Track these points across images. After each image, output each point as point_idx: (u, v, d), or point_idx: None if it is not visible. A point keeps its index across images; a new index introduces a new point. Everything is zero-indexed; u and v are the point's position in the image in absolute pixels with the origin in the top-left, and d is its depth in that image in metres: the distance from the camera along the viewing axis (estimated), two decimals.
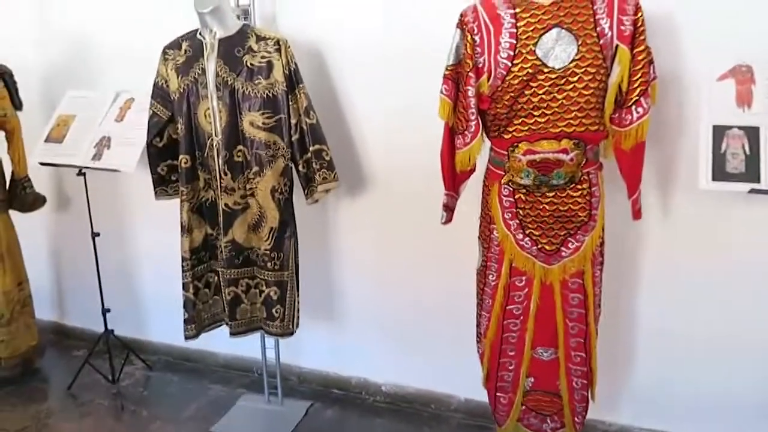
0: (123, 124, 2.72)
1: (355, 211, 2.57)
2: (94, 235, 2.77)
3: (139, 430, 2.55)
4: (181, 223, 2.19)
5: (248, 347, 2.98)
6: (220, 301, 2.31)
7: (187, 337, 2.27)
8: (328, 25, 2.39)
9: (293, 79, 2.11)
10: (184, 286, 2.22)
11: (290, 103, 2.10)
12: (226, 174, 2.11)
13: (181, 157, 2.16)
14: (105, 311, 2.85)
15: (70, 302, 3.50)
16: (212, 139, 2.12)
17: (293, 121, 2.12)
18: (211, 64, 2.10)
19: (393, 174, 2.45)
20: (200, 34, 2.14)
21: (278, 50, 2.08)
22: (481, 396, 2.52)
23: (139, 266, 3.19)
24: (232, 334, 2.24)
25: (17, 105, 2.87)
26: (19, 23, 3.14)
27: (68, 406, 2.74)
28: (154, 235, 3.09)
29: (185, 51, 2.16)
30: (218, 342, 3.05)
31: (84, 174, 2.70)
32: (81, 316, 3.46)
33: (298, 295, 2.25)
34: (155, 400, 2.79)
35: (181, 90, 2.14)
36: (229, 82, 2.07)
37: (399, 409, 2.64)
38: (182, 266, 2.21)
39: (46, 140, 2.82)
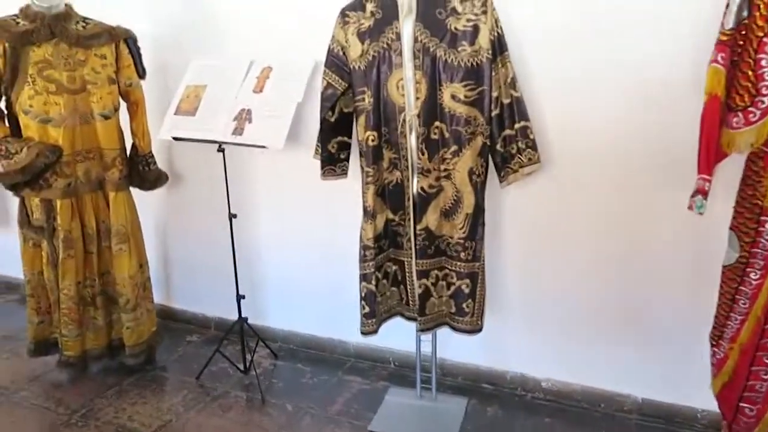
0: (263, 95, 2.48)
1: (521, 198, 2.33)
2: (231, 216, 2.56)
3: (291, 426, 2.37)
4: (365, 208, 1.96)
5: (380, 337, 2.81)
6: (397, 293, 2.10)
7: (365, 333, 2.08)
8: None
9: (498, 46, 1.86)
10: (365, 277, 2.01)
11: (493, 73, 1.86)
12: (423, 153, 1.88)
13: (367, 133, 1.93)
14: (239, 297, 2.65)
15: (177, 285, 3.32)
16: (404, 114, 1.88)
17: (494, 94, 1.88)
18: (407, 27, 1.85)
19: (566, 158, 2.21)
20: None
21: (485, 12, 1.82)
22: (661, 396, 2.35)
23: (256, 250, 2.99)
24: (421, 330, 2.04)
25: (141, 73, 2.64)
26: None
27: (203, 399, 2.57)
28: (275, 218, 2.88)
29: (372, 13, 1.91)
30: (346, 330, 2.89)
31: (223, 150, 2.48)
32: (188, 299, 3.29)
33: (485, 288, 2.04)
34: (294, 392, 2.61)
35: (369, 57, 1.89)
36: (431, 49, 1.82)
37: (564, 408, 2.45)
38: (364, 255, 2.00)
39: (176, 113, 2.59)
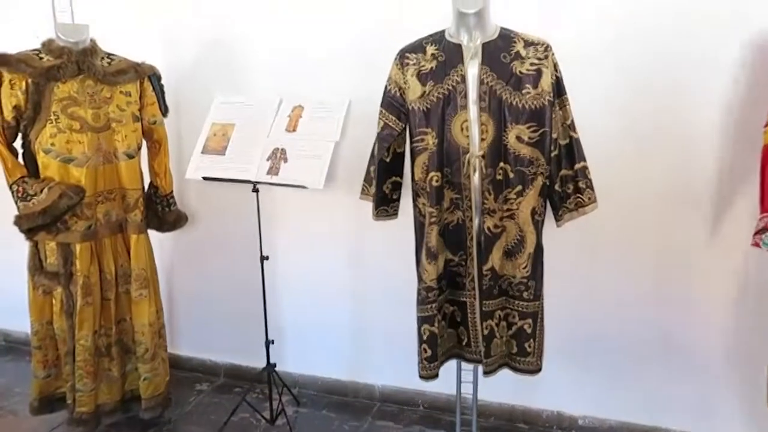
0: (297, 134, 2.45)
1: (557, 232, 2.37)
2: (263, 258, 2.47)
3: None
4: (429, 249, 1.94)
5: (405, 378, 2.75)
6: (455, 335, 2.07)
7: (427, 377, 2.02)
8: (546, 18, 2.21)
9: (557, 89, 1.91)
10: (427, 320, 1.97)
11: (553, 115, 1.90)
12: (489, 194, 1.89)
13: (431, 174, 1.92)
14: (269, 343, 2.54)
15: (182, 330, 3.16)
16: (469, 155, 1.89)
17: (554, 136, 1.92)
18: (472, 70, 1.87)
19: (606, 190, 2.28)
20: (449, 36, 1.92)
21: (547, 56, 1.88)
22: (697, 428, 2.39)
23: (272, 293, 2.89)
24: (486, 372, 2.00)
25: (164, 111, 2.55)
26: (148, 23, 2.81)
27: None
28: (292, 259, 2.81)
29: (433, 56, 1.92)
30: (371, 373, 2.82)
31: (257, 190, 2.41)
32: (194, 345, 3.13)
33: (544, 328, 2.04)
34: None
35: (433, 99, 1.90)
36: (497, 91, 1.85)
37: None
38: (426, 297, 1.96)
39: (204, 151, 2.51)
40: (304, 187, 2.32)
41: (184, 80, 2.80)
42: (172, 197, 2.61)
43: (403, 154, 2.10)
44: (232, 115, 2.56)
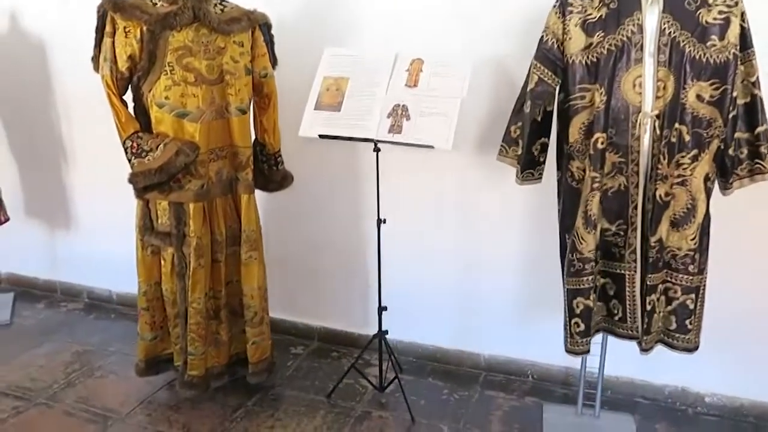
0: (418, 90, 2.27)
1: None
2: (380, 221, 2.34)
3: None
4: (588, 217, 1.79)
5: (515, 348, 2.65)
6: (604, 308, 1.94)
7: (577, 353, 1.91)
8: None
9: (743, 42, 1.71)
10: (582, 292, 1.84)
11: (736, 70, 1.71)
12: (664, 158, 1.72)
13: (596, 135, 1.75)
14: (381, 309, 2.44)
15: (273, 292, 3.06)
16: (640, 114, 1.72)
17: (734, 94, 1.73)
18: (651, 18, 1.68)
19: None
20: None
21: (737, 3, 1.67)
22: None
23: (374, 258, 2.78)
24: (645, 350, 1.88)
25: (273, 63, 2.39)
26: None
27: (345, 420, 2.35)
28: (397, 221, 2.67)
29: (603, 2, 1.73)
30: (476, 342, 2.72)
31: (379, 149, 2.26)
32: (285, 308, 3.04)
33: (704, 303, 1.90)
34: (440, 410, 2.41)
35: (603, 51, 1.72)
36: (681, 43, 1.66)
37: (736, 423, 2.34)
38: (582, 268, 1.82)
39: (317, 107, 2.35)
40: (430, 146, 2.17)
41: (284, 31, 2.62)
42: (280, 155, 2.48)
43: (551, 113, 1.94)
44: (345, 68, 2.38)
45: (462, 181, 2.54)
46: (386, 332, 2.47)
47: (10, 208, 3.13)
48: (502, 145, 2.03)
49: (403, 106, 2.25)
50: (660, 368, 2.43)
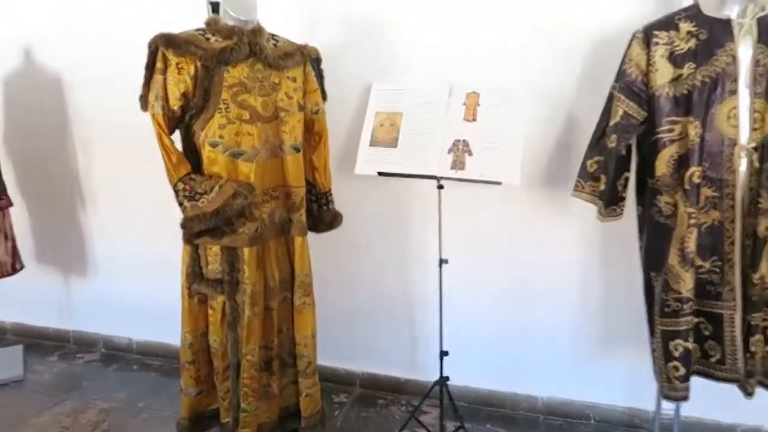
0: (478, 124, 2.20)
1: None
2: (441, 261, 2.23)
3: None
4: (686, 254, 1.70)
5: (570, 389, 2.54)
6: (698, 349, 1.84)
7: (677, 399, 1.80)
8: None
9: None
10: (681, 334, 1.74)
11: None
12: (765, 191, 1.66)
13: (692, 170, 1.68)
14: (443, 354, 2.31)
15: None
16: (736, 147, 1.66)
17: None
18: (745, 49, 1.64)
19: None
20: (708, 10, 1.68)
21: None
22: None
23: (420, 297, 2.66)
24: (749, 393, 1.78)
25: (323, 98, 2.30)
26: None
27: None
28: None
29: (690, 33, 1.68)
30: (531, 383, 2.60)
31: (442, 186, 2.17)
32: (327, 353, 2.88)
33: None
34: None
35: (696, 83, 1.66)
36: None
37: None
38: (681, 309, 1.73)
39: (372, 144, 2.26)
40: (498, 183, 2.08)
41: (326, 64, 2.54)
42: (331, 194, 2.36)
43: (631, 146, 1.87)
44: (396, 102, 2.31)
45: (518, 216, 2.45)
46: (447, 378, 2.34)
47: (21, 253, 2.95)
48: (578, 181, 1.95)
49: (464, 141, 2.17)
50: (731, 406, 2.33)
